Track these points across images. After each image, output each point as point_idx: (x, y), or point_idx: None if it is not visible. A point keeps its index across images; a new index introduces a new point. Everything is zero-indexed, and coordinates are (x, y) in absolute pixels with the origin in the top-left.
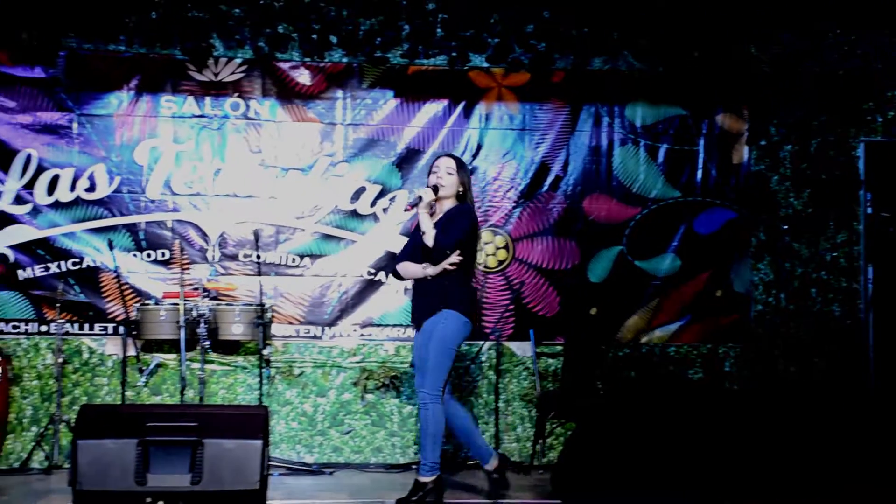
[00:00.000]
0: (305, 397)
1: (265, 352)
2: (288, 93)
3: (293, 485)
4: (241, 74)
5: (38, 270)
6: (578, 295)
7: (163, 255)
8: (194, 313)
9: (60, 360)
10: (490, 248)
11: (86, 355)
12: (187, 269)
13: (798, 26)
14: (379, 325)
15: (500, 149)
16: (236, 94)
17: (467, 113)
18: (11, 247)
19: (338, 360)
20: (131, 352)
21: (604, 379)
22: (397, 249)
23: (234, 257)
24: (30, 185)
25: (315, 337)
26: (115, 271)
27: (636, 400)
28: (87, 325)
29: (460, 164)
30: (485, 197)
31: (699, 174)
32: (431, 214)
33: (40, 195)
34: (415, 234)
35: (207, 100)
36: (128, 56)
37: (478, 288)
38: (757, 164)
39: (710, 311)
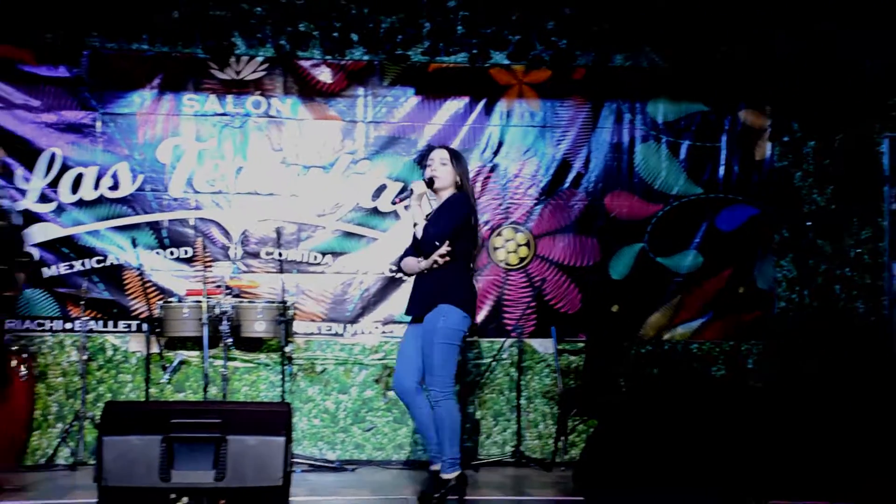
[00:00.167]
0: (327, 394)
1: (287, 349)
2: (309, 91)
3: (316, 481)
4: (263, 73)
5: (62, 268)
6: (600, 292)
7: (185, 252)
8: (217, 311)
9: (85, 357)
10: (511, 246)
11: (110, 352)
12: (210, 266)
13: (822, 21)
14: (401, 323)
15: (521, 146)
16: (258, 93)
17: (488, 110)
18: (36, 245)
19: (360, 358)
20: (155, 349)
21: (626, 376)
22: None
23: (256, 255)
24: (54, 184)
25: (337, 334)
26: (139, 269)
27: (658, 397)
28: (111, 323)
29: (454, 155)
30: (506, 194)
31: (721, 171)
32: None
33: (64, 193)
34: None
35: (229, 98)
36: (150, 55)
37: (498, 284)
38: (780, 160)
39: (733, 307)
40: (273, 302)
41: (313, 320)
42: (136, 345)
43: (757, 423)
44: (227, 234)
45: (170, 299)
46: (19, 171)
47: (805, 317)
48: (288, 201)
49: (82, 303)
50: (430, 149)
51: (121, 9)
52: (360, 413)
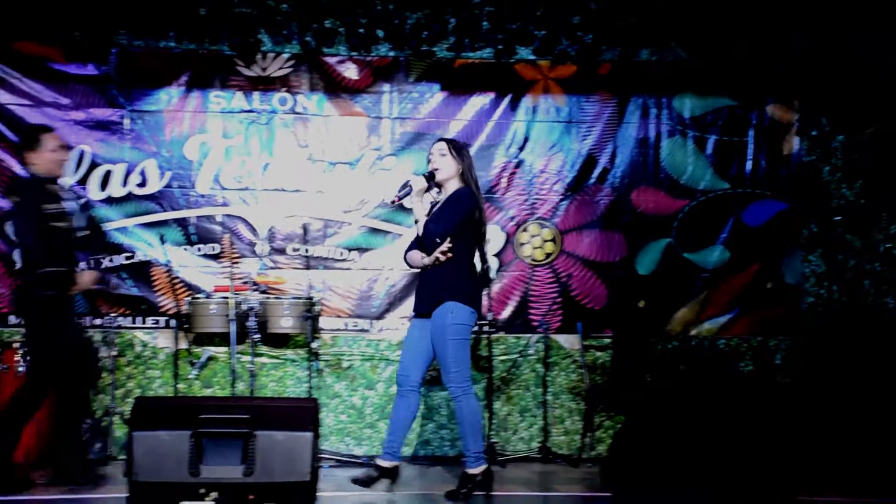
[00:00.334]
0: (354, 390)
1: (314, 345)
2: (335, 87)
3: (343, 477)
4: (289, 69)
5: (91, 264)
6: (626, 287)
7: (213, 249)
8: (244, 307)
9: (114, 353)
10: (537, 241)
11: (138, 348)
12: (237, 262)
13: (850, 14)
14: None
15: (546, 141)
16: (284, 89)
17: (514, 106)
18: None
19: (386, 353)
20: (183, 345)
21: (652, 372)
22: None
23: (282, 251)
24: (83, 181)
25: (363, 330)
26: (167, 265)
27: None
28: (139, 319)
29: (454, 146)
30: (532, 189)
31: (749, 165)
32: (436, 202)
33: (93, 190)
34: None
35: (256, 95)
36: (177, 52)
37: (524, 280)
38: (808, 154)
39: (761, 303)
40: (299, 298)
41: (339, 316)
42: (164, 341)
43: (786, 419)
44: (253, 230)
45: (197, 295)
46: None
47: (834, 312)
48: (314, 198)
49: (111, 299)
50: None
51: (148, 6)
52: (387, 409)
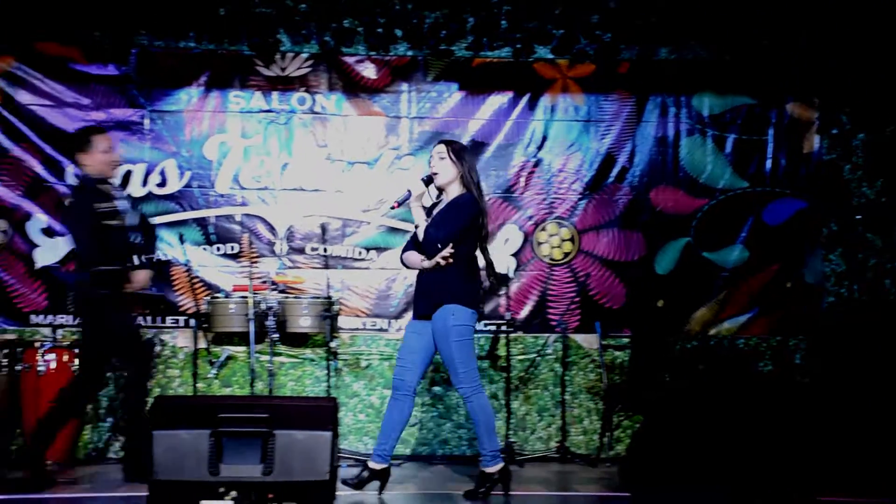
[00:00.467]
0: (372, 389)
1: (332, 344)
2: (353, 87)
3: None
4: (308, 69)
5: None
6: (645, 287)
7: (232, 248)
8: (263, 306)
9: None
10: (556, 240)
11: (158, 347)
12: (256, 262)
13: (869, 10)
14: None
15: (565, 140)
16: (303, 89)
17: (532, 105)
18: None
19: None
20: (202, 344)
21: (671, 371)
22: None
23: (301, 251)
24: None
25: (382, 329)
26: (186, 265)
27: (705, 393)
28: (159, 318)
29: (454, 148)
30: (550, 189)
31: (768, 164)
32: (437, 203)
33: None
34: None
35: (275, 95)
36: (197, 52)
37: (542, 279)
38: (828, 153)
39: (780, 302)
40: (318, 297)
41: (358, 315)
42: (183, 340)
43: (805, 419)
44: (272, 229)
45: (216, 295)
46: (70, 169)
47: (854, 311)
48: (333, 197)
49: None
50: (473, 144)
51: (168, 7)
52: None
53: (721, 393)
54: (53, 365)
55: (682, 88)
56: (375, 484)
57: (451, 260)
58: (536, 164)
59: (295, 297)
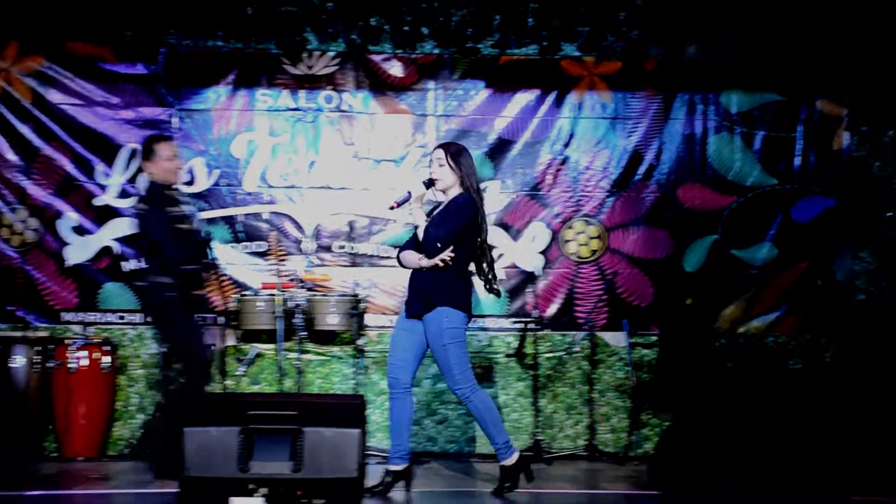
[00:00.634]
0: None
1: (360, 342)
2: (380, 85)
3: None
4: (335, 67)
5: (142, 262)
6: (673, 285)
7: (259, 246)
8: (291, 304)
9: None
10: (583, 238)
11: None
12: (283, 260)
13: None
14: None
15: (592, 138)
16: (330, 87)
17: (559, 102)
18: (116, 239)
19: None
20: (230, 342)
21: (700, 369)
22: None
23: (328, 248)
24: (133, 179)
25: None
26: (215, 263)
27: (733, 391)
28: None
29: (453, 154)
30: (577, 186)
31: (797, 161)
32: (437, 205)
33: (142, 189)
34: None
35: (302, 93)
36: (225, 51)
37: (569, 277)
38: (858, 150)
39: (810, 300)
40: (345, 295)
41: (385, 313)
42: (212, 337)
43: (834, 417)
44: (300, 227)
45: (245, 292)
46: (100, 167)
47: (885, 309)
48: (360, 195)
49: None
50: (500, 142)
51: (196, 6)
52: (432, 405)
53: (750, 391)
54: (85, 362)
55: (709, 85)
56: (402, 484)
57: (450, 262)
58: (563, 162)
59: (322, 295)
